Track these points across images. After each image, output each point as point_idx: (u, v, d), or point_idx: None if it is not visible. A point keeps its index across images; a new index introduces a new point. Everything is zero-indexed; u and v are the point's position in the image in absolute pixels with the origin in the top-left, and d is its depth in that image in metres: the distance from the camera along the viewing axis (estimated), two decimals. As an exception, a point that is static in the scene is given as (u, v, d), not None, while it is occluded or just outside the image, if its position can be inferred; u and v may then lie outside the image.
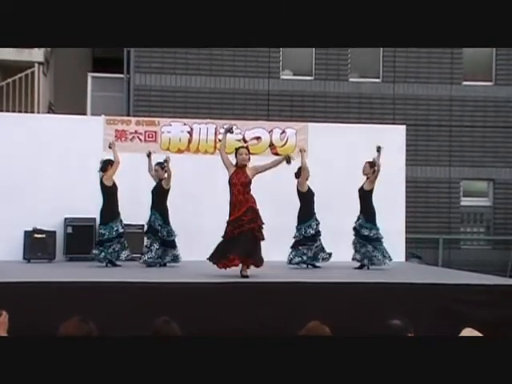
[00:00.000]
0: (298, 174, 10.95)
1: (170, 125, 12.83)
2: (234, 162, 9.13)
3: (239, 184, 8.95)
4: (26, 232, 11.60)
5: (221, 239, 9.02)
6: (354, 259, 10.87)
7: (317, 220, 10.88)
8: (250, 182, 8.99)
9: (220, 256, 8.92)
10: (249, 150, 9.31)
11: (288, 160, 9.24)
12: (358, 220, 10.81)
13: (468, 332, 4.19)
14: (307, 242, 10.79)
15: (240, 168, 9.04)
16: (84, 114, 16.66)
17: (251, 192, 9.01)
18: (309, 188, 10.96)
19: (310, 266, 10.80)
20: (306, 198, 10.90)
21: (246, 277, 8.75)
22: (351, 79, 17.65)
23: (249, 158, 9.10)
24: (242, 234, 8.81)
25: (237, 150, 9.33)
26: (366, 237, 10.72)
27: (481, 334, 4.14)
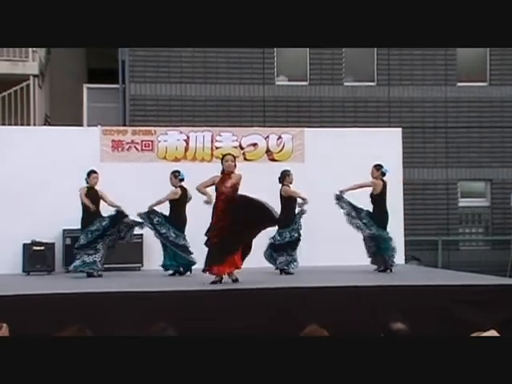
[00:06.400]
0: (281, 179, 10.90)
1: (167, 133, 12.82)
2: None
3: (225, 191, 8.90)
4: (24, 245, 11.57)
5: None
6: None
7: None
8: (237, 189, 8.93)
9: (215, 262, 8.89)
10: (235, 158, 9.28)
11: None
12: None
13: (490, 334, 4.11)
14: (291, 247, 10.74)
15: (227, 175, 8.99)
16: (80, 125, 16.65)
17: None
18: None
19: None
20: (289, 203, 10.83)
21: (236, 280, 8.82)
22: (346, 83, 17.66)
23: (235, 165, 9.04)
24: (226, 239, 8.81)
25: (223, 157, 9.35)
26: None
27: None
